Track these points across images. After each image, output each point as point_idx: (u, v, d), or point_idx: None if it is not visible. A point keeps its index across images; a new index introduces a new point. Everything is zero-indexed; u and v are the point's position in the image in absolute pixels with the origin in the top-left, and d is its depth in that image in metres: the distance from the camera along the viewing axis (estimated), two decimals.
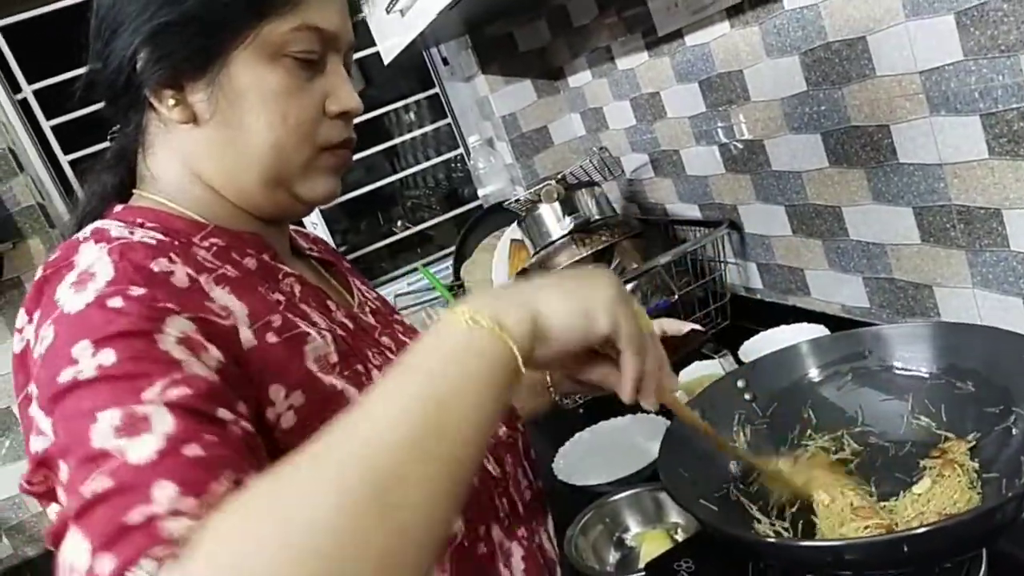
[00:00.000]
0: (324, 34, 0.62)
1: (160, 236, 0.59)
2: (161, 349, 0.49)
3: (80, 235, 0.57)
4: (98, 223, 0.59)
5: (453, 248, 1.87)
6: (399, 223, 2.27)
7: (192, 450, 0.45)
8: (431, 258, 2.10)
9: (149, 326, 0.49)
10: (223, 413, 0.49)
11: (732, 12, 1.18)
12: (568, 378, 0.66)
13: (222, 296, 0.57)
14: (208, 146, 0.63)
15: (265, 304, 0.59)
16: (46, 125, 1.77)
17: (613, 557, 0.99)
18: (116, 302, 0.50)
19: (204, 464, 0.45)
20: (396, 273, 2.08)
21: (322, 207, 1.89)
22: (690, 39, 1.31)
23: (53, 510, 0.54)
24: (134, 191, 0.67)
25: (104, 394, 0.46)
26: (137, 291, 0.51)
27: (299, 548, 0.37)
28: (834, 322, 1.21)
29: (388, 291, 1.98)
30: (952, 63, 0.86)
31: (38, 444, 0.48)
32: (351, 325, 0.68)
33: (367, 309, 0.76)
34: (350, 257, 2.07)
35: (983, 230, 0.93)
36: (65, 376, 0.47)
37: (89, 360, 0.47)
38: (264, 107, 0.61)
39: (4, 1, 1.72)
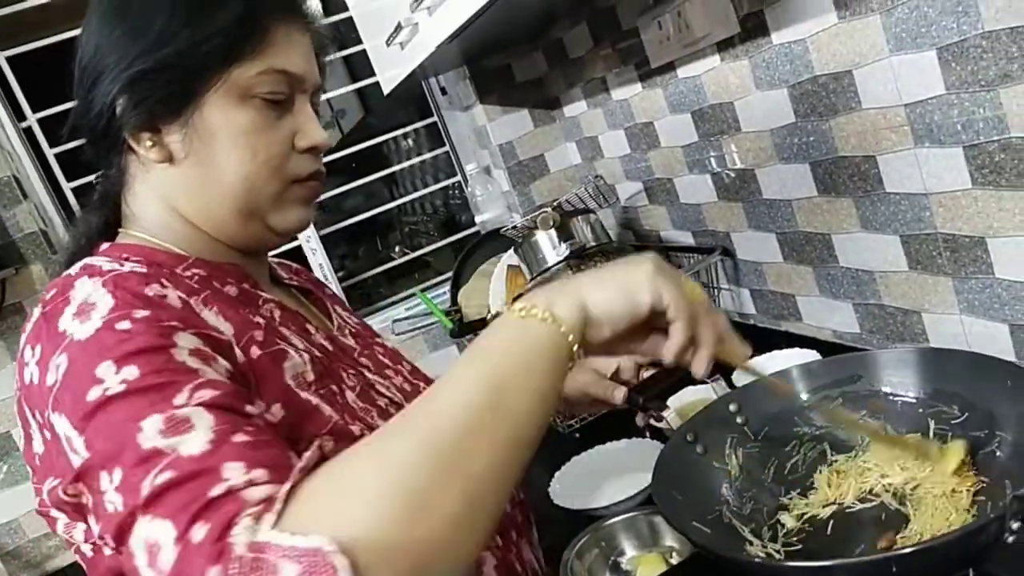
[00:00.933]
0: (290, 76, 0.67)
1: (147, 268, 0.62)
2: (178, 360, 0.52)
3: (71, 271, 0.60)
4: (87, 260, 0.63)
5: (450, 274, 1.89)
6: (397, 249, 2.29)
7: (240, 438, 0.49)
8: (428, 283, 2.11)
9: (163, 342, 0.53)
10: (250, 408, 0.53)
11: (723, 46, 1.21)
12: (631, 355, 0.70)
13: (211, 317, 0.60)
14: (184, 183, 0.67)
15: (248, 323, 0.63)
16: (50, 153, 1.79)
17: None
18: (124, 324, 0.53)
19: (255, 445, 0.49)
20: (394, 298, 2.10)
21: (319, 233, 1.90)
22: (682, 71, 1.35)
23: (79, 531, 0.56)
24: (119, 230, 0.71)
25: (138, 405, 0.49)
26: (141, 313, 0.54)
27: (390, 494, 0.44)
28: (826, 347, 1.23)
29: (386, 316, 1.99)
30: (935, 97, 0.89)
31: (75, 460, 0.50)
32: (329, 347, 0.72)
33: (347, 332, 0.80)
34: (348, 283, 2.08)
35: (968, 257, 0.95)
36: (93, 394, 0.50)
37: (114, 377, 0.50)
38: (235, 145, 0.66)
39: (10, 32, 1.75)
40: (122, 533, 0.47)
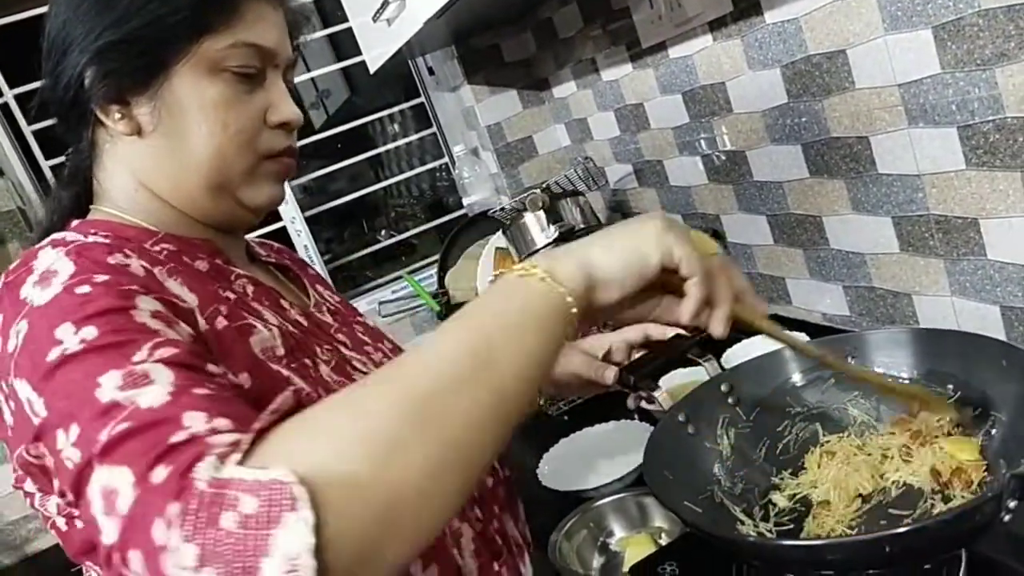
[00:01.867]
0: (261, 50, 0.66)
1: (111, 241, 0.61)
2: (138, 321, 0.51)
3: (38, 245, 0.59)
4: (54, 235, 0.62)
5: (438, 256, 1.87)
6: (383, 232, 2.27)
7: (200, 391, 0.48)
8: (415, 266, 2.10)
9: (123, 303, 0.52)
10: (212, 368, 0.52)
11: (715, 25, 1.20)
12: (645, 320, 0.66)
13: (174, 286, 0.59)
14: (153, 156, 0.66)
15: (215, 297, 0.62)
16: (27, 130, 1.75)
17: (597, 562, 0.99)
18: (84, 288, 0.52)
19: (217, 399, 0.47)
20: (380, 281, 2.08)
21: (304, 215, 1.88)
22: (673, 51, 1.33)
23: (52, 503, 0.55)
24: (91, 206, 0.70)
25: (96, 362, 0.48)
26: (101, 278, 0.53)
27: (361, 437, 0.43)
28: (815, 330, 1.23)
29: (372, 299, 1.98)
30: (930, 76, 0.88)
31: (35, 421, 0.49)
32: (304, 323, 0.72)
33: (324, 309, 0.79)
34: (333, 265, 2.06)
35: (960, 239, 0.95)
36: (52, 355, 0.49)
37: (72, 337, 0.49)
38: (204, 117, 0.65)
39: None
40: (79, 485, 0.45)
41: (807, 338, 1.10)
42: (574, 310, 0.54)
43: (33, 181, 1.77)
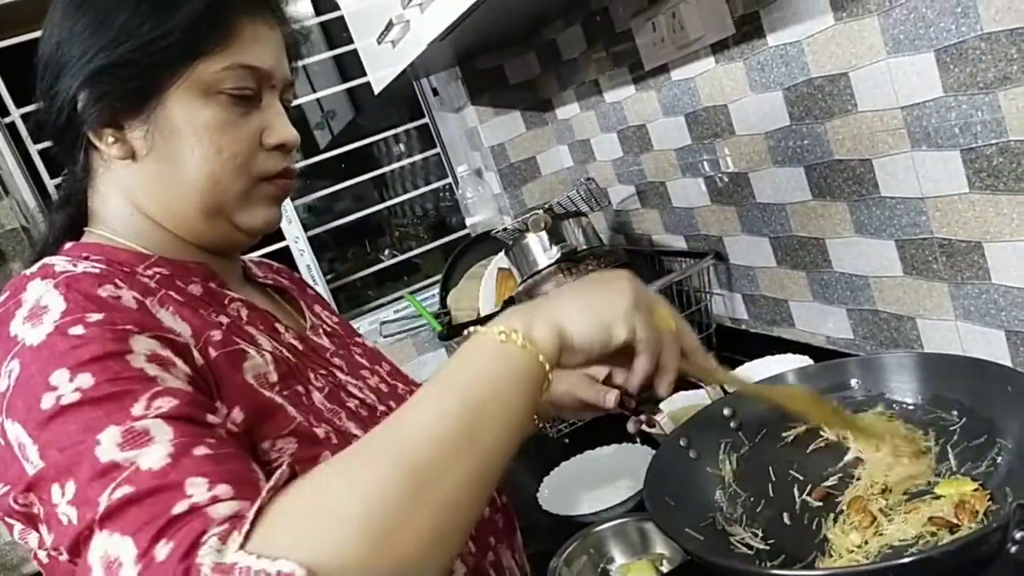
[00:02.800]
0: (257, 71, 0.66)
1: (104, 267, 0.60)
2: (135, 367, 0.51)
3: (28, 272, 0.58)
4: (45, 259, 0.61)
5: (440, 277, 1.87)
6: (387, 251, 2.27)
7: (201, 451, 0.47)
8: (418, 286, 2.09)
9: (118, 347, 0.51)
10: (211, 418, 0.52)
11: (717, 48, 1.20)
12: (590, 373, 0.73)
13: (167, 317, 0.59)
14: (147, 180, 0.66)
15: (205, 323, 0.61)
16: (33, 149, 1.76)
17: None
18: (77, 329, 0.51)
19: (217, 459, 0.47)
20: (383, 301, 2.08)
21: (308, 235, 1.89)
22: (676, 74, 1.33)
23: (33, 538, 0.54)
24: (85, 229, 0.69)
25: (93, 415, 0.47)
26: (94, 317, 0.52)
27: (361, 518, 0.43)
28: (819, 353, 1.22)
29: (374, 318, 1.97)
30: (932, 99, 0.88)
31: (28, 469, 0.49)
32: (300, 347, 0.71)
33: (320, 331, 0.78)
34: (336, 284, 2.06)
35: (965, 263, 0.94)
36: (47, 402, 0.48)
37: (68, 385, 0.48)
38: (199, 141, 0.64)
39: None
40: (78, 547, 0.45)
41: (810, 361, 1.09)
42: (550, 376, 0.55)
43: (38, 200, 1.77)
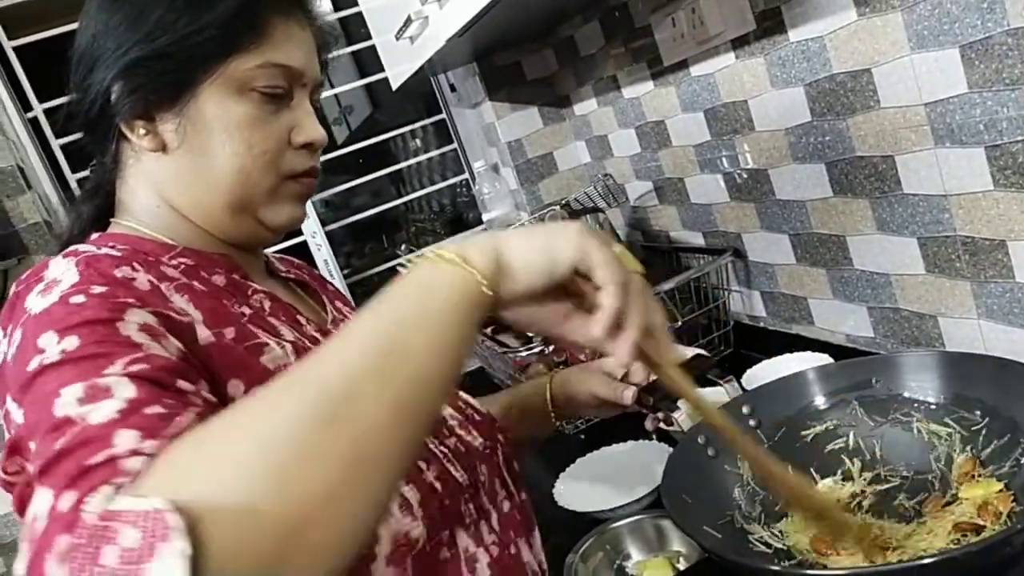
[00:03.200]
0: (289, 71, 0.66)
1: (127, 253, 0.61)
2: (123, 334, 0.50)
3: (53, 257, 0.59)
4: (72, 247, 0.61)
5: None
6: (403, 247, 2.28)
7: (153, 409, 0.46)
8: None
9: (111, 315, 0.51)
10: (183, 384, 0.50)
11: (737, 43, 1.19)
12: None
13: (180, 301, 0.59)
14: (176, 173, 0.66)
15: (225, 313, 0.61)
16: (55, 144, 1.78)
17: None
18: (78, 298, 0.52)
19: (166, 417, 0.46)
20: None
21: (325, 230, 1.89)
22: (695, 69, 1.33)
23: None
24: (112, 220, 0.70)
25: (68, 374, 0.47)
26: (99, 289, 0.53)
27: (258, 451, 0.39)
28: (838, 351, 1.21)
29: None
30: (957, 95, 0.87)
31: (12, 432, 0.49)
32: (321, 339, 0.71)
33: (341, 326, 0.77)
34: (353, 279, 2.07)
35: (988, 261, 0.93)
36: (32, 364, 0.49)
37: (54, 347, 0.49)
38: (230, 137, 0.65)
39: (18, 21, 1.74)
40: (21, 506, 0.45)
41: (829, 359, 1.08)
42: (488, 292, 0.51)
43: (60, 194, 1.79)
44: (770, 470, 0.62)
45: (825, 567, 0.63)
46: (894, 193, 1.02)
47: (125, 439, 0.43)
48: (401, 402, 0.44)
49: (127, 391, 0.46)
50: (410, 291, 0.50)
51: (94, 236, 0.67)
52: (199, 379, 0.53)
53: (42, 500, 0.41)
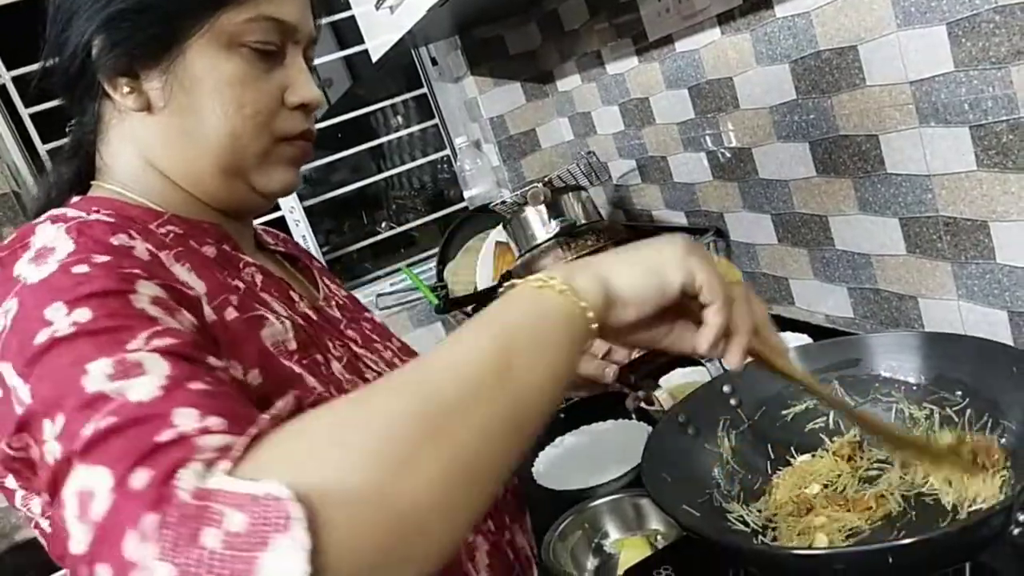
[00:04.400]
0: (282, 25, 0.63)
1: (117, 219, 0.58)
2: (137, 307, 0.48)
3: (35, 221, 0.56)
4: (53, 211, 0.58)
5: (437, 250, 1.85)
6: (383, 224, 2.25)
7: (196, 385, 0.44)
8: (415, 259, 2.08)
9: (121, 287, 0.49)
10: (212, 360, 0.49)
11: (723, 19, 1.18)
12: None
13: (182, 272, 0.56)
14: (163, 133, 0.63)
15: (223, 286, 0.59)
16: (24, 113, 1.73)
17: (592, 563, 0.97)
18: (82, 268, 0.49)
19: (213, 395, 0.44)
20: (379, 273, 2.06)
21: (303, 205, 1.86)
22: (680, 45, 1.31)
23: (36, 503, 0.52)
24: (92, 183, 0.66)
25: (87, 348, 0.44)
26: (101, 258, 0.50)
27: (370, 449, 0.39)
28: (818, 332, 1.21)
29: (370, 291, 1.96)
30: (943, 74, 0.86)
31: (18, 410, 0.46)
32: (314, 316, 0.68)
33: (333, 303, 0.76)
34: (332, 256, 2.04)
35: (969, 242, 0.93)
36: (41, 337, 0.45)
37: (64, 319, 0.46)
38: (220, 95, 0.61)
39: None
40: (56, 483, 0.42)
41: (809, 339, 1.09)
42: (594, 326, 0.51)
43: (29, 165, 1.75)
44: (886, 430, 0.66)
45: (808, 544, 0.63)
46: (877, 173, 1.02)
47: (186, 418, 0.41)
48: (503, 426, 0.44)
49: (161, 367, 0.44)
50: (520, 316, 0.50)
51: (75, 200, 0.63)
52: (219, 354, 0.51)
53: (93, 477, 0.39)
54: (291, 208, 1.95)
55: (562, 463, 1.14)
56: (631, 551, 0.93)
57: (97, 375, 0.43)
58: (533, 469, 1.13)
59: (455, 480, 0.41)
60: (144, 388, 0.42)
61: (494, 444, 0.43)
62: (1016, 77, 0.78)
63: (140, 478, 0.38)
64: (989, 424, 0.64)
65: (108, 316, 0.46)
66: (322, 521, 0.35)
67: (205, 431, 0.40)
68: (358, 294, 1.96)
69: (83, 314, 0.46)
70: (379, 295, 1.90)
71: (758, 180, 1.27)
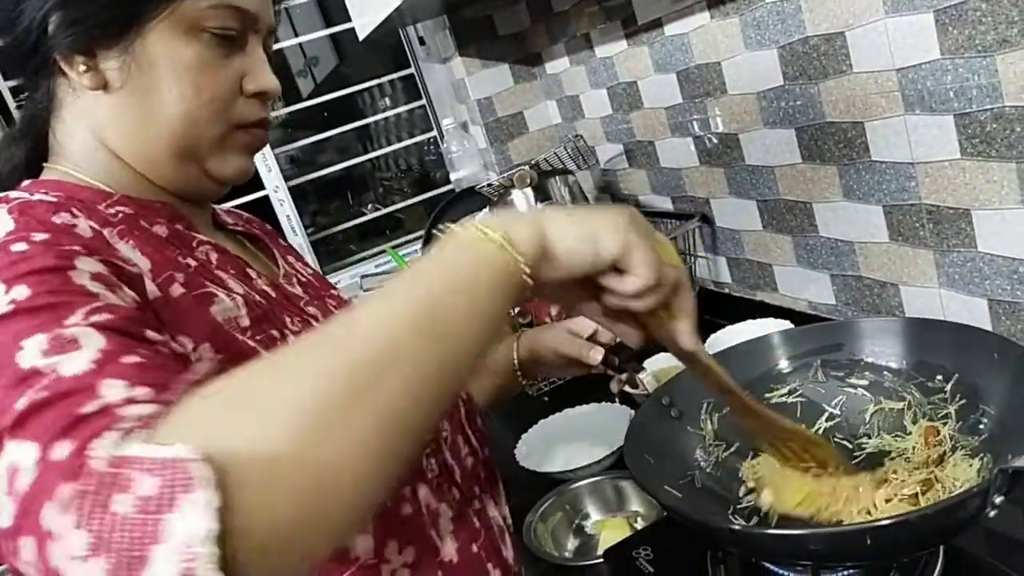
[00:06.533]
0: (243, 13, 0.63)
1: (62, 199, 0.57)
2: (77, 283, 0.48)
3: None
4: (1, 194, 0.57)
5: (423, 232, 1.85)
6: (369, 205, 2.24)
7: (130, 359, 0.44)
8: (400, 241, 2.07)
9: (61, 263, 0.48)
10: (151, 335, 0.48)
11: (713, 3, 1.17)
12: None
13: (125, 249, 0.56)
14: (118, 113, 0.62)
15: (170, 263, 0.58)
16: (4, 87, 1.70)
17: (572, 544, 0.98)
18: (20, 246, 0.49)
19: (146, 367, 0.44)
20: (364, 255, 2.05)
21: (288, 185, 1.84)
22: (669, 29, 1.31)
23: None
24: (44, 165, 0.66)
25: (24, 324, 0.44)
26: (40, 236, 0.50)
27: (287, 408, 0.38)
28: (800, 318, 1.22)
29: (355, 272, 1.95)
30: (929, 62, 0.86)
31: None
32: (273, 293, 0.68)
33: (295, 281, 0.76)
34: (317, 237, 2.03)
35: (951, 230, 0.94)
36: None
37: (2, 298, 0.45)
38: (177, 79, 0.61)
39: None
40: None
41: (791, 325, 1.09)
42: (529, 280, 0.50)
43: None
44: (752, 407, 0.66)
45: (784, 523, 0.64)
46: (862, 160, 1.02)
47: (113, 388, 0.41)
48: (432, 373, 0.43)
49: (96, 341, 0.44)
50: (452, 266, 0.49)
51: (25, 183, 0.62)
52: (161, 329, 0.51)
53: (20, 452, 0.39)
54: (276, 187, 1.93)
55: (544, 445, 1.15)
56: (611, 532, 0.94)
57: (32, 351, 0.43)
58: (515, 451, 1.14)
59: (377, 439, 0.40)
60: (76, 362, 0.42)
61: (419, 403, 0.43)
62: (1001, 66, 0.79)
63: (61, 450, 0.38)
64: (969, 408, 0.64)
65: (47, 293, 0.46)
66: (233, 481, 0.35)
67: (131, 401, 0.40)
68: (343, 275, 1.95)
69: (21, 291, 0.46)
70: (363, 276, 1.89)
71: (744, 166, 1.27)
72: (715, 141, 1.32)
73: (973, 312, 0.96)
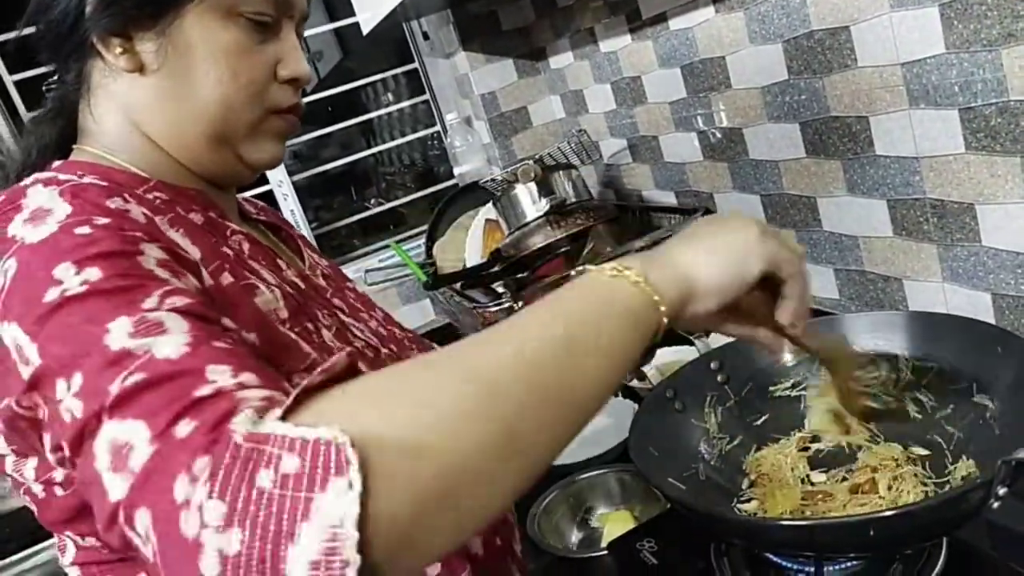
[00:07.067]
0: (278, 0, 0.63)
1: (106, 183, 0.57)
2: (145, 267, 0.48)
3: (22, 184, 0.55)
4: (39, 174, 0.57)
5: (426, 227, 1.85)
6: (373, 200, 2.24)
7: (219, 344, 0.44)
8: (404, 235, 2.07)
9: (128, 248, 0.48)
10: (227, 322, 0.49)
11: None
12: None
13: (178, 237, 0.56)
14: (153, 96, 0.62)
15: (216, 252, 0.58)
16: (8, 80, 1.71)
17: (576, 537, 0.99)
18: (84, 229, 0.48)
19: (238, 353, 0.44)
20: (368, 249, 2.06)
21: (292, 180, 1.85)
22: (674, 23, 1.30)
23: (29, 468, 0.52)
24: (74, 146, 0.65)
25: (101, 306, 0.44)
26: (102, 220, 0.49)
27: (426, 404, 0.40)
28: None
29: (359, 266, 1.95)
30: (934, 56, 0.86)
31: (25, 371, 0.45)
32: (302, 285, 0.68)
33: (318, 272, 0.76)
34: (321, 231, 2.03)
35: (956, 224, 0.94)
36: (50, 296, 0.45)
37: (74, 278, 0.45)
38: (215, 63, 0.61)
39: None
40: (81, 439, 0.41)
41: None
42: (664, 320, 0.50)
43: (13, 133, 1.72)
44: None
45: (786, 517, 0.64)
46: (866, 154, 1.02)
47: (220, 374, 0.41)
48: (557, 404, 0.44)
49: (181, 325, 0.44)
50: (590, 304, 0.49)
51: (57, 163, 0.61)
52: (224, 318, 0.51)
53: (127, 430, 0.39)
54: (279, 182, 1.94)
55: None
56: (615, 525, 0.94)
57: (118, 333, 0.43)
58: None
59: (508, 448, 0.41)
60: (170, 345, 0.42)
61: (547, 421, 0.44)
62: (1006, 60, 0.79)
63: (184, 428, 0.38)
64: (972, 402, 0.65)
65: (119, 276, 0.46)
66: (376, 468, 0.36)
67: (242, 386, 0.41)
68: (347, 269, 1.95)
69: (93, 273, 0.45)
70: (367, 271, 1.89)
71: (748, 161, 1.27)
72: (719, 135, 1.32)
73: (977, 306, 0.96)
